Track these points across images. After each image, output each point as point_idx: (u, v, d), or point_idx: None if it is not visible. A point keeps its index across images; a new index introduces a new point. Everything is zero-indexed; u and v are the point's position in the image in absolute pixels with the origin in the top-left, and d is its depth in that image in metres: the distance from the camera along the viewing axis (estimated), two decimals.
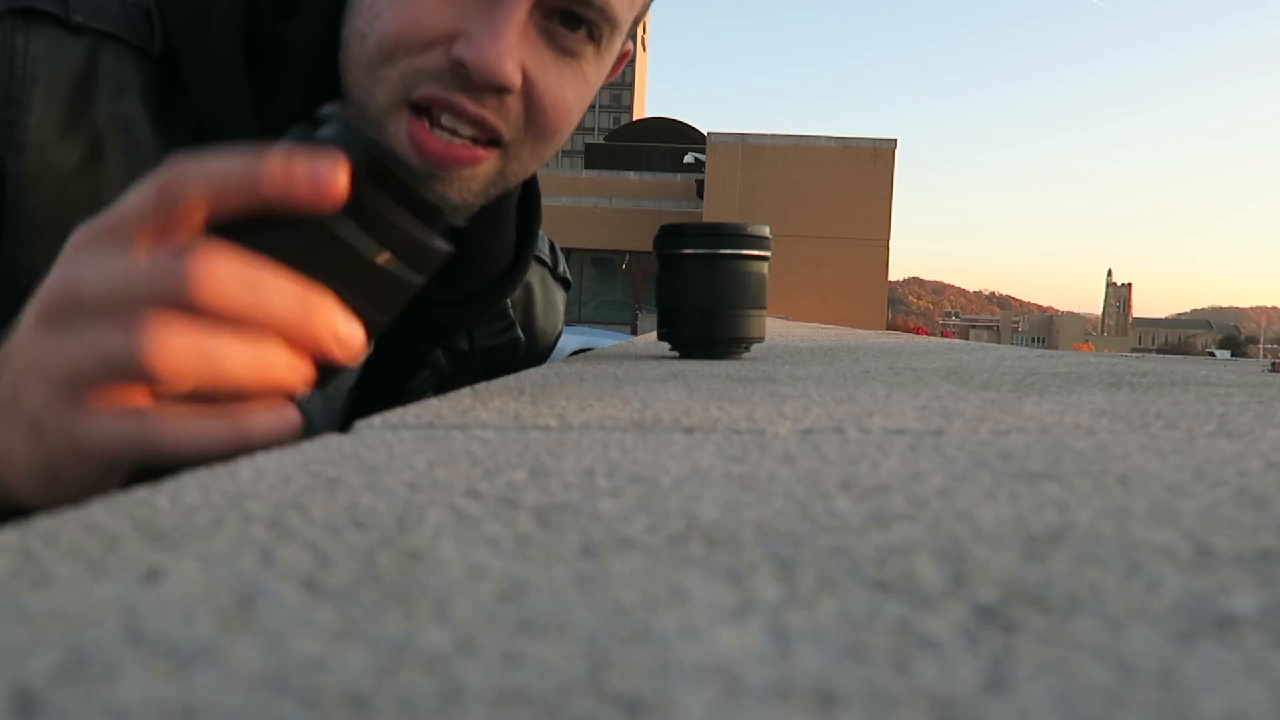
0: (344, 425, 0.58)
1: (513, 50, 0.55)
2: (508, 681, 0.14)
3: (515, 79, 0.56)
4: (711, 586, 0.19)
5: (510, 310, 0.78)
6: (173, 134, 0.59)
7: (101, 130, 0.56)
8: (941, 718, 0.13)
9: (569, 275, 0.92)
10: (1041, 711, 0.13)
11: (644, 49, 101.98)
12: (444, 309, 0.69)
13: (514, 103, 0.58)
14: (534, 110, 0.59)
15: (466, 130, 0.57)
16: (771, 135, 18.92)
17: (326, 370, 0.40)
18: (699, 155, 20.91)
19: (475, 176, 0.59)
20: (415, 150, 0.56)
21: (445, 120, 0.56)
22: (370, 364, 0.69)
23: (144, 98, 0.58)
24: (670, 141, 25.31)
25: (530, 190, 0.75)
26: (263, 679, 0.14)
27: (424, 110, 0.56)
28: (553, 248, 0.90)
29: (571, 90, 0.60)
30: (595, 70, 0.62)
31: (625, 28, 0.62)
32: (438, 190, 0.58)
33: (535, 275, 0.85)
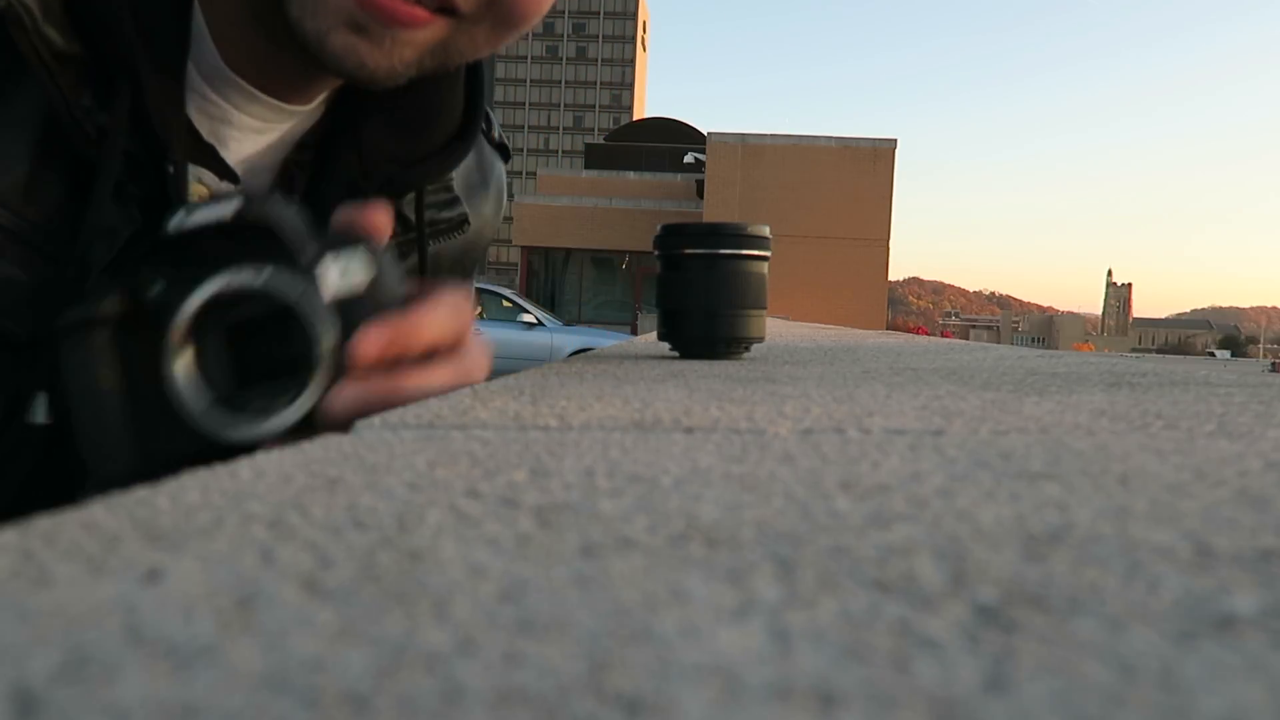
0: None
1: None
2: (508, 681, 0.14)
3: None
4: (711, 586, 0.19)
5: (455, 185, 0.71)
6: None
7: None
8: (941, 718, 0.13)
9: (505, 141, 0.82)
10: (1041, 711, 0.13)
11: (644, 49, 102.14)
12: (394, 166, 0.63)
13: None
14: None
15: None
16: (771, 135, 18.91)
17: None
18: (699, 155, 20.91)
19: (411, 43, 0.52)
20: None
21: None
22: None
23: None
24: (670, 141, 25.31)
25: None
26: (263, 679, 0.14)
27: None
28: (486, 115, 0.82)
29: None
30: None
31: None
32: (360, 53, 0.51)
33: None
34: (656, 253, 0.95)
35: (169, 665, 0.14)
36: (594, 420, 0.43)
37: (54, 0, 0.49)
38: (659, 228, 0.96)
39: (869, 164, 18.54)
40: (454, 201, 0.70)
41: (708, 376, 0.70)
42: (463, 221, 0.71)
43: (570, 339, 9.79)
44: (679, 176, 21.69)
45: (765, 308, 0.94)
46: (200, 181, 0.57)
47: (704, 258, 0.92)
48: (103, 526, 0.22)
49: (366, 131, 0.62)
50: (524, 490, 0.27)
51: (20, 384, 0.52)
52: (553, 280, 19.48)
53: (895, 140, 18.71)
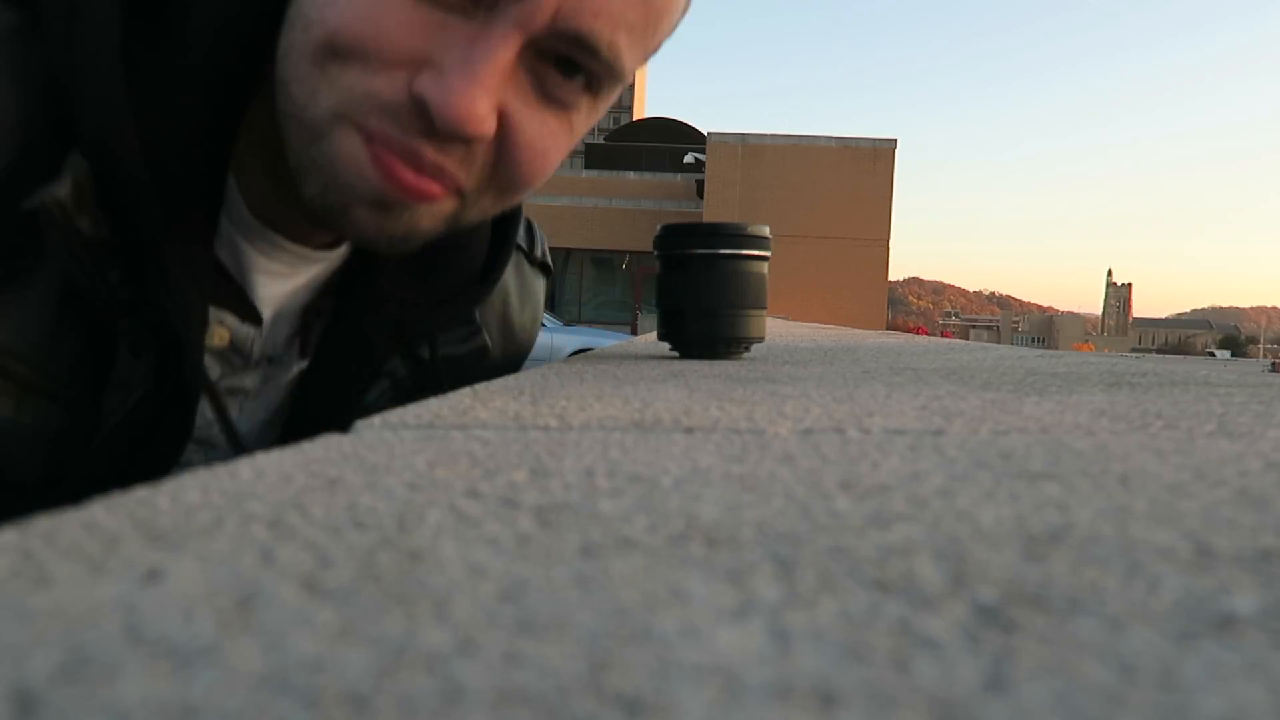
0: (286, 438, 0.62)
1: (490, 93, 0.46)
2: (508, 681, 0.14)
3: (489, 128, 0.48)
4: (711, 586, 0.19)
5: (478, 316, 0.71)
6: (25, 84, 0.48)
7: None
8: (941, 718, 0.13)
9: (549, 259, 0.84)
10: (1041, 711, 0.13)
11: None
12: (412, 311, 0.63)
13: (483, 150, 0.50)
14: (506, 161, 0.51)
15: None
16: (771, 135, 18.91)
17: None
18: (699, 155, 20.91)
19: (428, 214, 0.52)
20: (379, 173, 0.48)
21: None
22: (319, 371, 0.63)
23: None
24: (670, 141, 25.28)
25: None
26: (263, 679, 0.14)
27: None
28: (530, 228, 0.81)
29: (553, 142, 0.52)
30: (585, 121, 0.54)
31: (629, 78, 0.52)
32: (380, 226, 0.51)
33: (510, 263, 0.76)
34: (656, 253, 0.95)
35: (169, 665, 0.14)
36: (594, 420, 0.43)
37: (86, 189, 0.48)
38: (659, 228, 0.96)
39: (869, 164, 18.54)
40: (474, 334, 0.71)
41: (708, 376, 0.70)
42: (482, 353, 0.71)
43: (570, 339, 9.78)
44: (679, 176, 21.68)
45: (765, 308, 0.94)
46: (222, 324, 0.57)
47: (704, 258, 0.92)
48: (103, 526, 0.22)
49: (381, 278, 0.62)
50: (524, 490, 0.27)
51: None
52: (552, 280, 19.46)
53: (895, 140, 18.70)
